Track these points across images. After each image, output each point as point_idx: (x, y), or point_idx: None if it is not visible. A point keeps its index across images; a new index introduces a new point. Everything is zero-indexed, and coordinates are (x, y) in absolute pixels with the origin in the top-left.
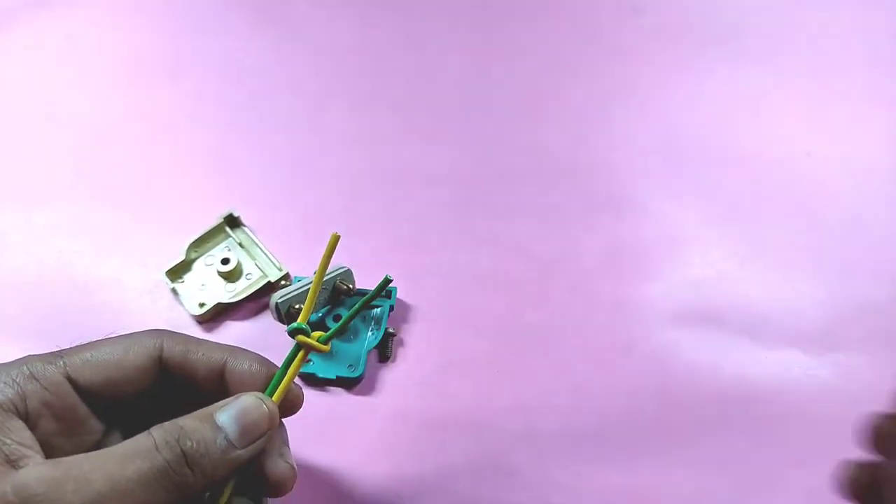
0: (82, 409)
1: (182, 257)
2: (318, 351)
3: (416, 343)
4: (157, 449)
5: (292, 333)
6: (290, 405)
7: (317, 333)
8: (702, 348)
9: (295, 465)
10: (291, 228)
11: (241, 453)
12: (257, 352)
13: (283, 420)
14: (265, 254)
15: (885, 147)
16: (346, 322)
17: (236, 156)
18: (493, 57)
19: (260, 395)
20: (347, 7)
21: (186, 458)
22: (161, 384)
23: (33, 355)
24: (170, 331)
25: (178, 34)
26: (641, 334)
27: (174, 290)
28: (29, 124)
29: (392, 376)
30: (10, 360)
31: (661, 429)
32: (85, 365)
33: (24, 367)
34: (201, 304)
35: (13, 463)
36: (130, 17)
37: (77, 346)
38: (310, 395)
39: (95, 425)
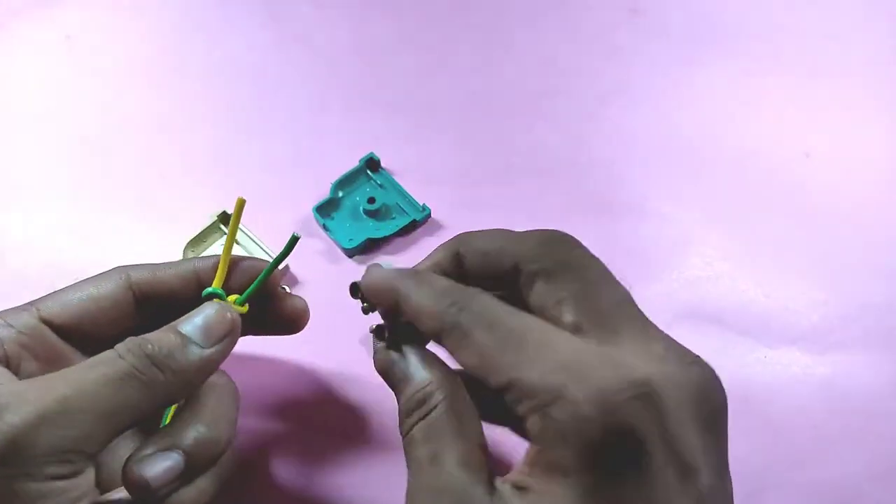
0: (61, 346)
1: (179, 258)
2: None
3: None
4: (120, 356)
5: (206, 298)
6: (296, 314)
7: (233, 297)
8: (701, 348)
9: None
10: (290, 227)
11: (210, 352)
12: (261, 345)
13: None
14: (262, 249)
15: (884, 148)
16: (262, 280)
17: (236, 155)
18: (493, 57)
19: (221, 302)
20: (348, 7)
21: (152, 360)
22: (145, 317)
23: (6, 309)
24: (133, 264)
25: (177, 34)
26: None
27: None
28: (28, 124)
29: None
30: None
31: None
32: (57, 305)
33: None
34: None
35: None
36: (130, 18)
37: (49, 294)
38: (310, 391)
39: (79, 360)
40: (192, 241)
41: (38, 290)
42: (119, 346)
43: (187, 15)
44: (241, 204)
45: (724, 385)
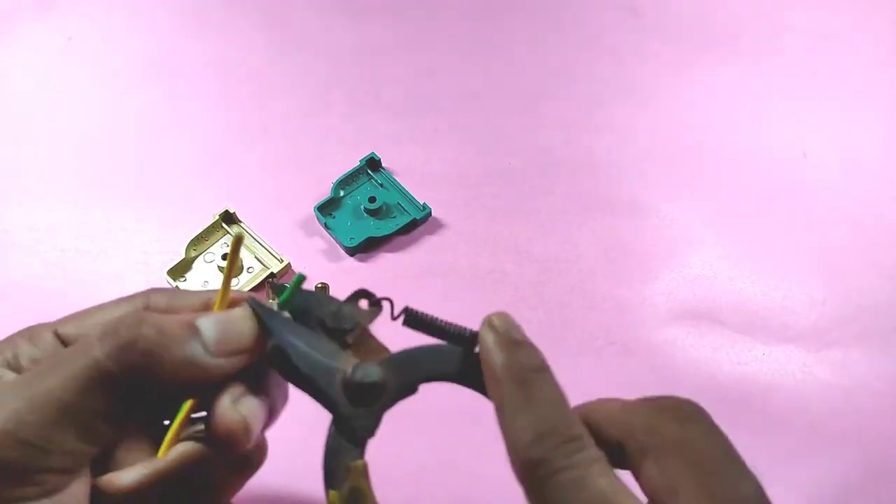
0: None
1: (182, 256)
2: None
3: (416, 341)
4: (98, 339)
5: None
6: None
7: None
8: (700, 346)
9: (251, 422)
10: (292, 226)
11: (212, 362)
12: None
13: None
14: (264, 247)
15: (881, 148)
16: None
17: (238, 154)
18: (493, 58)
19: (255, 300)
20: (347, 9)
21: (132, 349)
22: None
23: (36, 325)
24: (160, 287)
25: (178, 36)
26: (640, 333)
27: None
28: (31, 125)
29: None
30: None
31: None
32: (73, 322)
33: (27, 332)
34: None
35: None
36: (131, 19)
37: (74, 314)
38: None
39: None
40: (194, 239)
41: (39, 289)
42: (106, 324)
43: (188, 16)
44: (238, 239)
45: (723, 383)
